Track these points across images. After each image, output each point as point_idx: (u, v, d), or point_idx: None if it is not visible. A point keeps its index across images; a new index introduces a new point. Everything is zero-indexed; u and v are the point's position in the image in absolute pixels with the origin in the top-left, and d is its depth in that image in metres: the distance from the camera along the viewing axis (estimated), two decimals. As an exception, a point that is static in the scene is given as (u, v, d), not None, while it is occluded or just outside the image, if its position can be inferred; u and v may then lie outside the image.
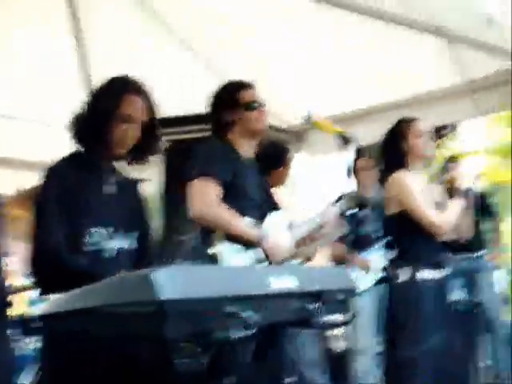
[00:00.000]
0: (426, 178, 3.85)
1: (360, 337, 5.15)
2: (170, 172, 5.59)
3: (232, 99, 3.32)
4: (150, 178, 5.53)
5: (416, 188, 3.68)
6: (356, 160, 5.44)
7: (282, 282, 1.94)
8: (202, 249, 3.15)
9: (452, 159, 5.64)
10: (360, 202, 5.34)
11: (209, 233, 3.16)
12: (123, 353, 1.88)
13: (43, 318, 1.83)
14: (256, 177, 3.38)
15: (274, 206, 3.50)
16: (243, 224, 3.16)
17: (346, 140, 3.05)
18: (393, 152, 3.86)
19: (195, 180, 3.13)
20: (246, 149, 3.37)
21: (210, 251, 3.09)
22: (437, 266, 3.66)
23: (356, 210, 4.90)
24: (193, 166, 3.20)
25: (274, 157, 4.63)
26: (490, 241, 6.15)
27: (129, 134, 2.54)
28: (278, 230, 3.31)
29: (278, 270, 2.07)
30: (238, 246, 3.11)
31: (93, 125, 2.53)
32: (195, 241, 3.21)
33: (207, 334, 1.72)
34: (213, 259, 3.07)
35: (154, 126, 2.66)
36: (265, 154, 4.58)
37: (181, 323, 1.64)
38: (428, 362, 3.48)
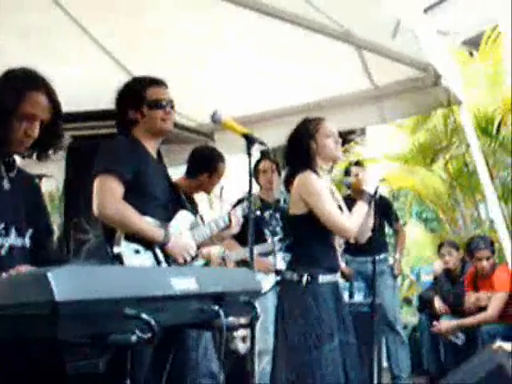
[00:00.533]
0: (330, 181, 3.77)
1: (263, 338, 5.16)
2: (72, 168, 5.45)
3: (137, 96, 3.23)
4: (51, 173, 5.39)
5: (324, 190, 3.53)
6: (258, 162, 5.46)
7: (184, 283, 1.90)
8: (105, 248, 3.08)
9: (357, 164, 5.73)
10: (261, 203, 5.36)
11: (111, 232, 3.10)
12: (17, 356, 1.78)
13: None
14: (162, 176, 3.32)
15: (182, 206, 3.45)
16: (145, 223, 3.11)
17: (252, 141, 3.03)
18: (299, 151, 3.63)
19: (98, 177, 3.08)
20: (151, 147, 3.29)
21: (112, 251, 3.03)
22: (333, 270, 3.63)
23: (259, 212, 4.93)
24: (97, 163, 3.14)
25: (203, 162, 4.59)
26: (392, 244, 6.32)
27: (29, 132, 2.43)
28: (181, 231, 3.28)
29: (180, 271, 2.04)
30: (138, 247, 3.05)
31: None
32: (98, 240, 3.14)
33: (105, 336, 1.66)
34: (116, 259, 3.01)
35: (57, 124, 2.56)
36: (195, 158, 4.56)
37: (77, 325, 1.58)
38: (329, 363, 3.44)
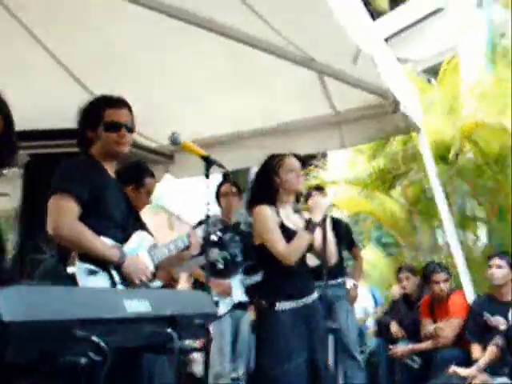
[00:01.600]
0: (291, 211, 3.93)
1: (220, 361, 5.13)
2: (28, 187, 5.38)
3: (95, 117, 3.20)
4: (7, 192, 5.32)
5: (271, 222, 3.79)
6: (220, 185, 5.47)
7: (137, 305, 1.88)
8: (59, 268, 3.02)
9: (317, 188, 5.76)
10: (222, 226, 5.35)
11: (66, 252, 3.02)
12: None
13: None
14: (118, 196, 3.28)
15: (138, 227, 3.42)
16: (101, 243, 3.06)
17: (210, 163, 3.03)
18: (263, 186, 3.92)
19: (53, 196, 3.03)
20: (109, 167, 3.26)
21: (67, 271, 2.98)
22: (293, 296, 3.76)
23: (220, 233, 4.92)
24: (53, 182, 3.08)
25: (128, 176, 4.40)
26: (347, 268, 6.32)
27: None
28: (138, 251, 3.24)
29: (133, 294, 2.01)
30: (93, 267, 3.01)
31: None
32: (52, 260, 3.08)
33: (55, 358, 1.63)
34: (70, 280, 2.96)
35: (9, 137, 2.52)
36: (124, 173, 4.45)
37: (26, 347, 1.55)
38: (292, 380, 3.62)
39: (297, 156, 4.04)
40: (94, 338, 1.66)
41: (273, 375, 3.67)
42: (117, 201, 3.21)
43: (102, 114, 3.18)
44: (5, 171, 2.64)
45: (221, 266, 5.10)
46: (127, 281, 3.10)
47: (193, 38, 4.54)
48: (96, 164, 3.21)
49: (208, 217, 3.07)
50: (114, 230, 3.15)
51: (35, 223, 5.17)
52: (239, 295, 5.18)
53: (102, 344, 1.67)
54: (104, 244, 3.07)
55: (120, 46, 4.91)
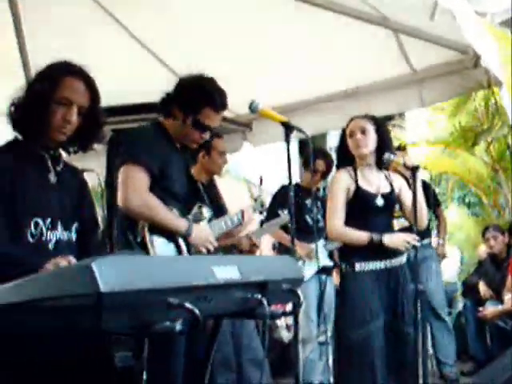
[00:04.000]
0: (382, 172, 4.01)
1: (306, 325, 5.17)
2: (112, 162, 5.50)
3: (192, 106, 3.18)
4: (93, 168, 5.45)
5: (338, 190, 3.88)
6: (302, 151, 5.47)
7: (226, 272, 1.90)
8: (126, 237, 3.04)
9: (399, 148, 5.68)
10: (304, 191, 5.36)
11: (132, 221, 3.05)
12: (63, 347, 1.81)
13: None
14: (181, 169, 3.29)
15: (200, 200, 3.46)
16: (171, 215, 3.09)
17: (290, 129, 3.01)
18: (340, 150, 4.02)
19: (124, 166, 3.04)
20: (176, 141, 3.28)
21: (137, 240, 3.00)
22: (374, 258, 3.78)
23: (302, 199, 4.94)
24: (124, 151, 3.10)
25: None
26: (433, 229, 6.23)
27: (67, 117, 2.44)
28: (201, 223, 3.28)
29: (222, 260, 2.04)
30: (160, 237, 3.04)
31: (29, 109, 2.43)
32: (119, 227, 3.09)
33: (149, 326, 1.67)
34: (140, 249, 2.99)
35: (96, 112, 2.57)
36: None
37: (121, 316, 1.59)
38: (369, 344, 3.66)
39: (367, 116, 4.00)
40: (188, 305, 1.69)
41: (351, 338, 3.72)
42: (179, 174, 3.23)
43: (201, 109, 3.18)
44: (94, 145, 2.69)
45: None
46: (193, 251, 3.14)
47: (266, 3, 4.51)
48: (166, 135, 3.22)
49: (289, 182, 3.06)
50: (175, 202, 3.17)
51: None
52: (323, 260, 5.18)
53: (196, 311, 1.69)
54: (173, 216, 3.10)
55: (195, 20, 4.92)
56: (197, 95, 3.19)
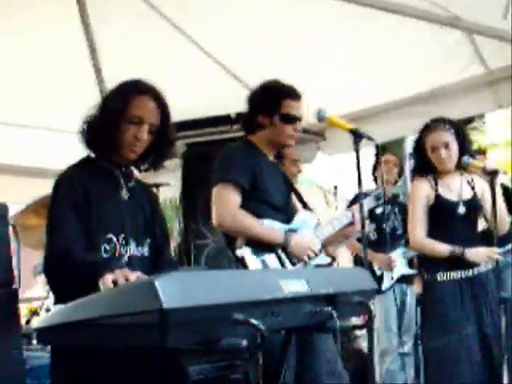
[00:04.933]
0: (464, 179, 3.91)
1: (386, 337, 5.07)
2: (187, 176, 5.57)
3: (272, 103, 3.23)
4: (169, 182, 5.53)
5: (418, 200, 3.84)
6: (377, 156, 5.37)
7: (293, 285, 1.88)
8: (226, 252, 3.13)
9: (479, 152, 5.51)
10: (381, 198, 5.26)
11: (232, 236, 3.14)
12: (130, 364, 1.81)
13: (43, 330, 1.77)
14: (279, 179, 3.32)
15: (303, 207, 3.46)
16: (264, 228, 3.12)
17: (359, 137, 2.97)
18: (418, 157, 3.95)
19: (216, 186, 3.13)
20: (268, 151, 3.32)
21: (236, 254, 3.06)
22: (457, 267, 3.72)
23: (382, 206, 4.85)
24: (214, 171, 3.18)
25: None
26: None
27: (138, 136, 2.47)
28: (303, 230, 3.26)
29: (289, 274, 2.01)
30: (260, 250, 3.07)
31: (102, 127, 2.48)
32: (215, 245, 3.19)
33: (214, 342, 1.66)
34: (239, 262, 3.04)
35: (167, 129, 2.59)
36: None
37: (185, 332, 1.59)
38: (454, 353, 3.60)
39: (445, 120, 3.89)
40: (253, 321, 1.67)
41: (433, 347, 3.69)
42: (276, 184, 3.26)
43: (281, 102, 3.22)
44: (166, 163, 2.72)
45: (373, 237, 5.03)
46: (295, 260, 3.14)
47: (329, 9, 4.48)
48: (256, 150, 3.26)
49: (361, 192, 3.01)
50: (273, 212, 3.19)
51: (196, 210, 5.38)
52: (402, 268, 5.08)
53: (261, 326, 1.67)
54: (268, 229, 3.13)
55: (263, 31, 4.93)
56: (272, 93, 3.26)
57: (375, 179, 5.39)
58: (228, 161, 3.18)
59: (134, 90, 2.54)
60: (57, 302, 2.35)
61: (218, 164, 3.19)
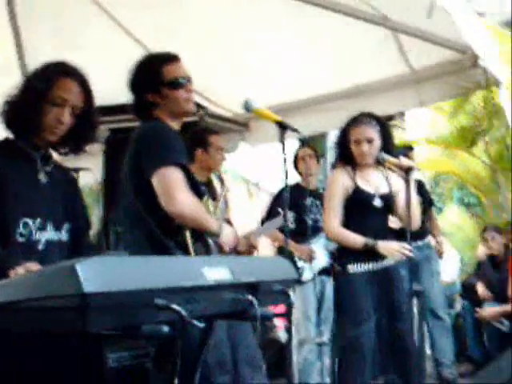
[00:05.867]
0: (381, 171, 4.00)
1: (305, 326, 5.14)
2: (109, 161, 5.48)
3: (154, 76, 2.97)
4: (90, 167, 5.43)
5: (336, 189, 3.89)
6: (297, 150, 5.44)
7: (216, 273, 1.88)
8: (160, 240, 2.94)
9: (407, 147, 5.66)
10: (302, 191, 5.33)
11: (171, 225, 2.89)
12: (49, 350, 1.78)
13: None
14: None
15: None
16: (209, 216, 3.03)
17: (285, 128, 2.98)
18: (340, 150, 4.02)
19: (158, 170, 2.80)
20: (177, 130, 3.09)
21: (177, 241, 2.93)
22: (368, 259, 3.81)
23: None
24: (152, 155, 2.87)
25: (197, 141, 4.37)
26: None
27: (60, 118, 2.42)
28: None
29: (212, 261, 2.01)
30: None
31: (23, 108, 2.42)
32: (143, 232, 3.00)
33: (136, 327, 1.65)
34: (182, 251, 2.88)
35: (90, 113, 2.55)
36: (188, 140, 4.26)
37: (107, 317, 1.57)
38: (367, 342, 3.70)
39: (371, 115, 3.98)
40: (175, 307, 1.66)
41: (345, 338, 3.78)
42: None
43: (161, 71, 2.97)
44: (87, 148, 2.67)
45: (292, 226, 5.10)
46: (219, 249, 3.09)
47: (260, 2, 4.50)
48: (170, 128, 3.02)
49: (285, 183, 3.03)
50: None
51: (117, 196, 5.30)
52: (323, 260, 5.16)
53: (183, 312, 1.67)
54: (210, 216, 3.06)
55: (192, 15, 4.91)
56: (147, 67, 3.03)
57: (298, 172, 5.47)
58: (162, 142, 2.89)
59: (58, 71, 2.49)
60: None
61: (150, 146, 2.88)
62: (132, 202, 2.94)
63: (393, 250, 3.78)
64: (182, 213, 2.83)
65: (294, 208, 5.07)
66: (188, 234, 2.92)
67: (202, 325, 1.96)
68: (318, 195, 5.32)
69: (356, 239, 3.81)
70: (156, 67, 2.99)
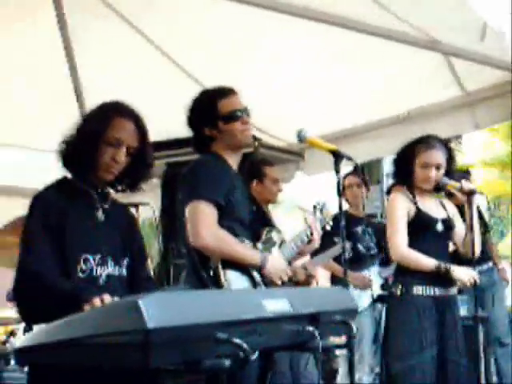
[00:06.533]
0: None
1: (360, 357, 5.07)
2: (167, 195, 5.55)
3: (210, 111, 3.06)
4: (148, 201, 5.51)
5: (399, 211, 3.74)
6: (344, 178, 5.39)
7: (276, 305, 1.88)
8: (199, 274, 3.00)
9: (465, 171, 5.58)
10: (352, 219, 5.28)
11: (205, 258, 2.98)
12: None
13: (25, 350, 1.76)
14: (245, 194, 3.21)
15: (264, 223, 3.41)
16: (242, 248, 3.02)
17: (339, 157, 2.98)
18: (401, 170, 3.89)
19: (190, 204, 2.94)
20: (233, 162, 3.15)
21: (210, 275, 2.98)
22: (432, 282, 3.67)
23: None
24: (188, 188, 3.01)
25: (252, 172, 4.43)
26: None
27: (116, 158, 2.48)
28: (271, 249, 3.23)
29: (271, 293, 2.01)
30: (235, 271, 2.98)
31: (80, 148, 2.48)
32: (190, 264, 3.07)
33: (198, 362, 1.66)
34: (212, 283, 2.96)
35: (145, 152, 2.59)
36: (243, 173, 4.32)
37: (169, 352, 1.58)
38: (418, 376, 3.52)
39: (439, 139, 3.88)
40: (236, 340, 1.66)
41: (398, 368, 3.62)
42: (244, 199, 3.16)
43: (217, 106, 3.06)
44: (144, 185, 2.71)
45: (347, 255, 5.03)
46: (267, 282, 3.08)
47: (311, 29, 4.52)
48: (224, 162, 3.11)
49: (339, 211, 3.02)
50: (242, 229, 3.10)
51: (176, 229, 5.35)
52: (378, 288, 5.10)
53: (244, 345, 1.67)
54: (245, 248, 3.03)
55: (236, 47, 4.96)
56: (204, 102, 3.11)
57: (346, 200, 5.40)
58: (202, 176, 2.99)
59: (113, 111, 2.55)
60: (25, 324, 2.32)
61: (192, 179, 3.01)
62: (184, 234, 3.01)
63: (466, 276, 3.68)
64: (206, 247, 2.91)
65: (346, 236, 5.03)
66: (220, 269, 2.93)
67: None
68: (369, 223, 5.29)
69: (429, 261, 3.68)
70: (211, 102, 3.08)
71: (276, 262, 3.11)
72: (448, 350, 3.62)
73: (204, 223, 2.90)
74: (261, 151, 5.26)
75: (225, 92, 3.11)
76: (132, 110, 2.58)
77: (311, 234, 3.63)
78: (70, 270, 2.36)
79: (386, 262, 5.04)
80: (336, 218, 5.21)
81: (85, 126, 2.53)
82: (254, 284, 3.04)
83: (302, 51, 4.90)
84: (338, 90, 5.22)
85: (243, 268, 3.02)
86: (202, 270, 2.97)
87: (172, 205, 5.56)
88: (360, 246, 5.16)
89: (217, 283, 2.93)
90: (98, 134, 2.47)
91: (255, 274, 3.04)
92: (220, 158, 3.11)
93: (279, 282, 3.09)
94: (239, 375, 2.52)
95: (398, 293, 3.71)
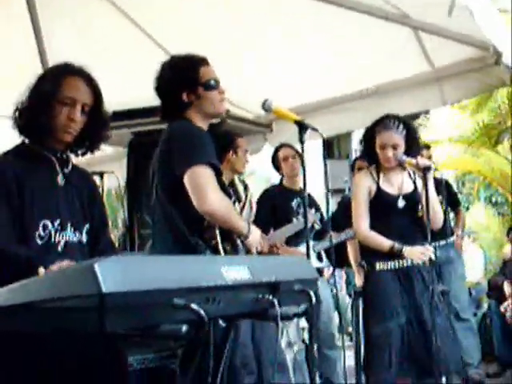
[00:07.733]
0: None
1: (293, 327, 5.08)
2: (133, 164, 5.50)
3: (191, 77, 3.02)
4: (113, 170, 5.47)
5: (361, 193, 3.97)
6: (276, 150, 5.35)
7: (236, 272, 1.87)
8: (192, 241, 2.91)
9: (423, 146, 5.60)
10: (286, 192, 5.25)
11: (201, 225, 2.92)
12: (67, 350, 1.79)
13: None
14: None
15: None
16: (237, 217, 3.07)
17: (304, 128, 2.96)
18: (367, 147, 4.06)
19: (191, 169, 2.83)
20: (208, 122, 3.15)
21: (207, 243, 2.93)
22: (391, 257, 3.86)
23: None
24: (181, 154, 2.90)
25: (228, 143, 4.48)
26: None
27: (71, 116, 2.45)
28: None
29: (231, 261, 2.00)
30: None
31: (34, 111, 2.44)
32: (193, 237, 3.00)
33: (154, 327, 1.65)
34: (214, 252, 2.92)
35: (100, 109, 2.57)
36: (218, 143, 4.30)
37: (125, 317, 1.56)
38: (394, 338, 3.74)
39: (398, 118, 3.96)
40: (194, 306, 1.66)
41: (372, 334, 3.87)
42: None
43: (199, 72, 3.04)
44: (110, 151, 2.69)
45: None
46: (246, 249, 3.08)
47: (276, 3, 4.50)
48: (199, 128, 3.05)
49: (303, 186, 3.03)
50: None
51: (141, 200, 5.33)
52: (313, 261, 5.07)
53: (202, 312, 1.66)
54: (238, 218, 3.07)
55: (207, 19, 4.92)
56: (186, 67, 3.07)
57: (280, 173, 5.35)
58: (194, 140, 2.93)
59: (64, 71, 2.53)
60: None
61: (179, 146, 2.92)
62: (161, 202, 2.98)
63: (417, 255, 3.84)
64: (214, 212, 2.87)
65: (279, 210, 5.03)
66: (218, 234, 2.93)
67: (223, 324, 1.97)
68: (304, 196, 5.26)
69: (383, 242, 3.88)
70: (194, 67, 3.06)
71: (255, 233, 3.12)
72: (423, 312, 3.77)
73: (212, 187, 2.85)
74: (228, 122, 5.23)
75: (204, 60, 3.11)
76: (82, 68, 2.56)
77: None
78: (28, 236, 2.34)
79: (319, 236, 5.01)
80: (267, 191, 5.27)
81: (37, 89, 2.50)
82: (237, 252, 3.04)
83: (271, 24, 4.86)
84: (307, 63, 5.19)
85: (228, 236, 3.01)
86: (194, 238, 2.91)
87: (137, 174, 5.57)
88: (295, 220, 5.04)
89: (215, 251, 2.92)
90: (51, 95, 2.44)
91: (239, 243, 3.05)
92: (195, 124, 3.07)
93: (254, 252, 3.11)
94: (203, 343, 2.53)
95: (366, 269, 3.98)
